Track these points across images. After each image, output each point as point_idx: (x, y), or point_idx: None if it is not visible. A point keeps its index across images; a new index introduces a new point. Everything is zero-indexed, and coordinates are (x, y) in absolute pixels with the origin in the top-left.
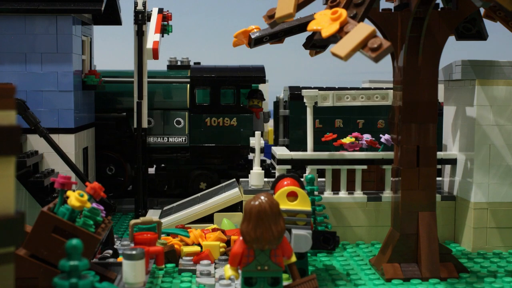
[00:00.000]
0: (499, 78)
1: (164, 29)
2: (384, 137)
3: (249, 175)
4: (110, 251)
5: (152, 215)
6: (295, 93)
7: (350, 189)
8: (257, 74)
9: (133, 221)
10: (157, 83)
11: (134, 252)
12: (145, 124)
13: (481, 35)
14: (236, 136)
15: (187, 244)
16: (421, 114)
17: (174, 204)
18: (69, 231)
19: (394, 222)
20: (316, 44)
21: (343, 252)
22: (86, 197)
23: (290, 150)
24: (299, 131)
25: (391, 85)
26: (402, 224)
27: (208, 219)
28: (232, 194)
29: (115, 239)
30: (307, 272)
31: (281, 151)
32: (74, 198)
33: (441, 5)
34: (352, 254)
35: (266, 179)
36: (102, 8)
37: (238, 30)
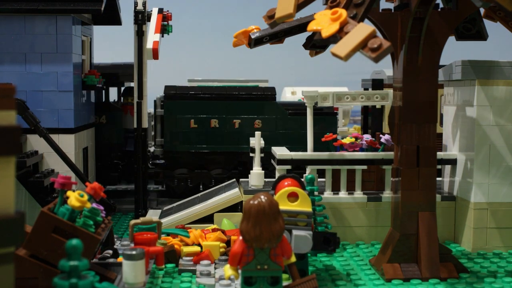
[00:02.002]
0: (499, 78)
1: (164, 29)
2: (384, 137)
3: (249, 175)
4: (110, 251)
5: (152, 215)
6: (170, 93)
7: (350, 189)
8: (125, 72)
9: (133, 221)
10: None
11: (134, 252)
12: (145, 124)
13: (481, 35)
14: (105, 134)
15: (187, 244)
16: (421, 114)
17: (174, 204)
18: (69, 231)
19: (394, 222)
20: (316, 44)
21: (343, 252)
22: (86, 197)
23: (165, 150)
24: (173, 131)
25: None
26: (402, 224)
27: (208, 219)
28: (232, 194)
29: (115, 239)
30: (307, 272)
31: (281, 151)
32: (74, 198)
33: (441, 5)
34: (352, 254)
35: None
36: (102, 8)
37: (238, 30)
